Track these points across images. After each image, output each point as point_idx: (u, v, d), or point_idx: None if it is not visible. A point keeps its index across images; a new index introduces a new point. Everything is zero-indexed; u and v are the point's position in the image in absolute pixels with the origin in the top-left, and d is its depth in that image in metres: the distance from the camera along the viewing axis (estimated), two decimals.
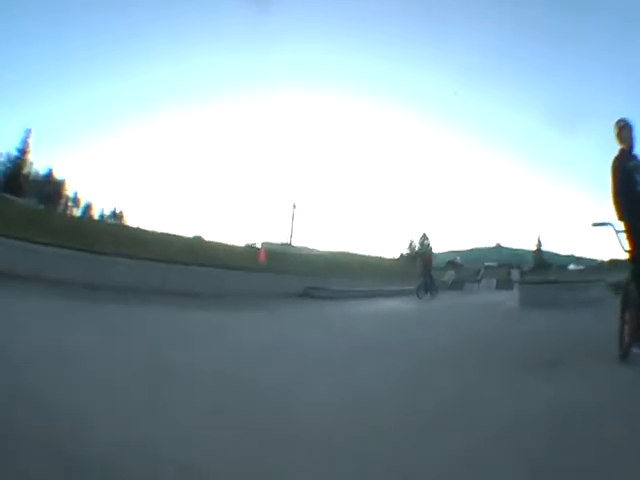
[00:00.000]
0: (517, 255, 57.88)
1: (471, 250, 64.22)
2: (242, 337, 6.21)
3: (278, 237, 45.79)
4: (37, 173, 54.43)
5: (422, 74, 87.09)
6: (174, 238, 21.03)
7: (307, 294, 14.80)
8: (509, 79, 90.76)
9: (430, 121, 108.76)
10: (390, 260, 50.94)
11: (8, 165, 51.50)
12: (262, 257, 19.16)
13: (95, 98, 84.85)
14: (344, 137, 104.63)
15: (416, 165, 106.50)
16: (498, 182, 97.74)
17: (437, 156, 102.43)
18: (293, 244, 40.67)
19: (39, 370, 3.37)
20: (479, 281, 36.13)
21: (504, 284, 29.60)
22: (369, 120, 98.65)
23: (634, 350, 4.14)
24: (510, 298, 14.31)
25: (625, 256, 4.37)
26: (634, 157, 4.57)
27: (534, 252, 62.81)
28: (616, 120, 4.74)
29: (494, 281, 34.39)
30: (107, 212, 59.96)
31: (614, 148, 4.71)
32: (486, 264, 47.20)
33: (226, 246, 25.06)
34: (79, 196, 59.64)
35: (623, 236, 4.32)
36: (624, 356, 4.25)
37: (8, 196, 32.28)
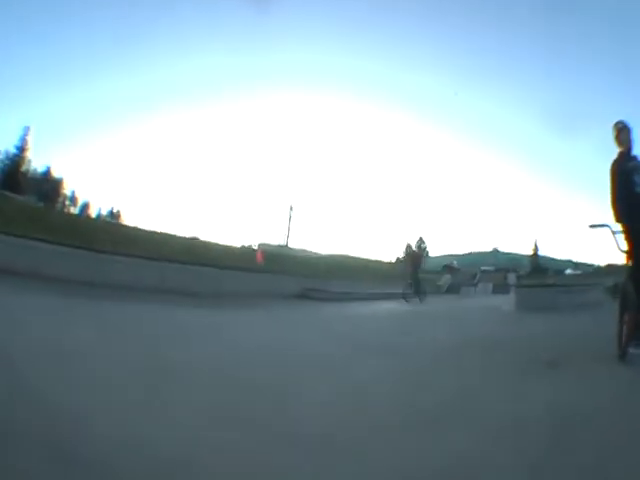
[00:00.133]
0: (514, 259, 58.04)
1: (468, 254, 64.36)
2: (240, 336, 6.21)
3: (275, 239, 45.73)
4: (35, 171, 54.46)
5: (422, 75, 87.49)
6: (171, 238, 21.03)
7: (304, 295, 14.79)
8: (508, 82, 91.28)
9: (429, 124, 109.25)
10: (387, 263, 51.01)
11: (7, 162, 51.45)
12: (259, 258, 19.17)
13: (94, 97, 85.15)
14: (343, 139, 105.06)
15: (414, 169, 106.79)
16: (495, 187, 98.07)
17: (435, 160, 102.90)
18: (290, 246, 40.71)
19: (36, 366, 3.36)
20: (475, 285, 36.09)
21: (501, 288, 29.50)
22: (368, 122, 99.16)
23: (631, 350, 4.19)
24: (506, 302, 14.27)
25: (622, 258, 4.42)
26: (633, 159, 4.60)
27: (531, 256, 63.06)
28: (614, 122, 4.78)
29: (490, 285, 34.32)
30: (104, 211, 60.02)
31: (613, 151, 4.75)
32: (483, 268, 47.21)
33: (223, 246, 25.07)
34: (77, 195, 59.67)
35: (620, 237, 4.36)
36: (622, 356, 4.28)
37: (7, 193, 32.21)
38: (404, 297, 16.79)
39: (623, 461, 2.14)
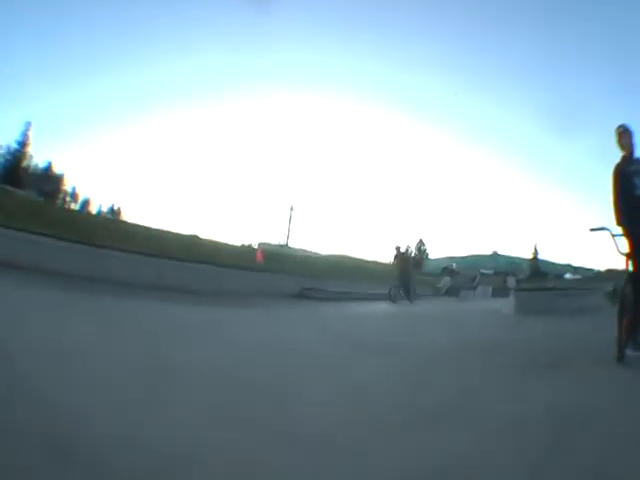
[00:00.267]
0: (513, 263, 57.97)
1: (467, 257, 64.25)
2: (239, 333, 6.22)
3: (275, 238, 45.70)
4: (36, 166, 54.43)
5: (422, 76, 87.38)
6: (171, 235, 21.01)
7: (303, 295, 14.80)
8: (509, 83, 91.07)
9: (429, 125, 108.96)
10: (386, 264, 50.94)
11: (8, 157, 51.43)
12: (259, 257, 19.17)
13: (95, 94, 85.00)
14: (343, 139, 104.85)
15: (414, 170, 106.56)
16: (496, 189, 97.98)
17: (435, 161, 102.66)
18: (290, 246, 40.71)
19: (35, 361, 3.38)
20: (475, 288, 36.02)
21: (500, 292, 29.50)
22: (368, 122, 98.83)
23: (629, 352, 4.28)
24: (506, 305, 14.29)
25: (622, 261, 4.46)
26: (635, 162, 4.62)
27: (530, 260, 62.98)
28: (616, 126, 4.79)
29: (490, 289, 34.26)
30: (105, 208, 60.00)
31: (613, 155, 4.77)
32: (482, 271, 47.16)
33: (223, 245, 25.04)
34: (77, 191, 59.65)
35: (620, 240, 4.40)
36: (621, 358, 4.34)
37: (8, 188, 32.21)
38: (390, 298, 16.41)
39: (622, 459, 2.16)
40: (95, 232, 13.08)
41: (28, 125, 52.74)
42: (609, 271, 30.68)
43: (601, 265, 46.27)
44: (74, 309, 6.25)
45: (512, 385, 3.90)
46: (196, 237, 27.50)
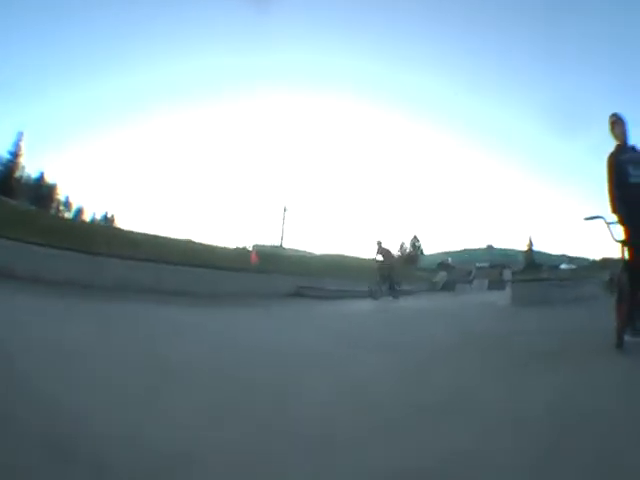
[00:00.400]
0: (508, 255, 58.23)
1: (462, 251, 64.52)
2: (239, 331, 6.21)
3: (269, 240, 45.67)
4: (29, 176, 54.22)
5: (420, 75, 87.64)
6: (165, 240, 20.95)
7: (299, 293, 14.80)
8: (501, 79, 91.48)
9: (423, 123, 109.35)
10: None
11: (0, 168, 51.21)
12: (254, 259, 19.14)
13: (89, 101, 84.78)
14: (337, 138, 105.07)
15: (408, 167, 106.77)
16: (489, 183, 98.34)
17: (428, 158, 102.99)
18: (285, 246, 40.65)
19: (34, 362, 3.35)
20: (471, 282, 36.27)
21: (496, 284, 29.67)
22: (363, 122, 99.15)
23: (627, 338, 4.39)
24: (502, 298, 14.36)
25: (617, 249, 4.51)
26: (628, 150, 4.66)
27: (525, 252, 63.26)
28: (609, 115, 4.82)
29: (486, 282, 34.48)
30: (99, 216, 59.86)
31: (606, 146, 4.81)
32: (478, 265, 47.41)
33: (217, 248, 24.99)
34: (71, 200, 59.50)
35: (614, 228, 4.45)
36: (620, 344, 4.42)
37: (2, 198, 32.05)
38: (371, 295, 15.76)
39: (623, 433, 2.28)
40: (91, 239, 13.02)
41: (20, 135, 52.60)
42: (604, 260, 30.90)
43: (596, 254, 46.60)
44: (71, 314, 6.23)
45: (513, 371, 3.98)
46: (190, 241, 27.45)
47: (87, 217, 58.17)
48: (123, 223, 55.20)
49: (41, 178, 55.56)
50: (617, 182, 4.49)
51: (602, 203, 4.62)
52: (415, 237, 69.97)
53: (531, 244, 64.61)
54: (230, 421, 2.53)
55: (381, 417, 2.68)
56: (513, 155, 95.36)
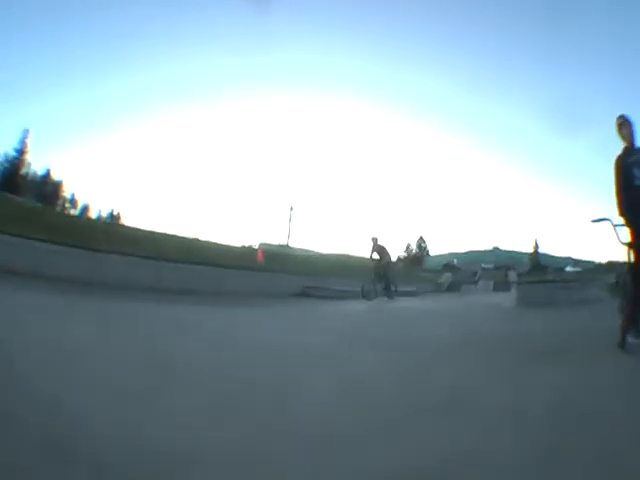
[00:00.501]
0: (514, 257, 58.18)
1: (468, 252, 64.46)
2: (242, 330, 6.22)
3: (276, 239, 45.76)
4: (35, 174, 54.48)
5: (421, 75, 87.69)
6: (171, 238, 21.00)
7: (304, 293, 14.77)
8: (508, 81, 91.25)
9: (428, 124, 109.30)
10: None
11: (6, 165, 51.47)
12: (260, 257, 19.14)
13: (93, 99, 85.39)
14: (344, 138, 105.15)
15: (414, 168, 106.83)
16: (495, 185, 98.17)
17: (435, 159, 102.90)
18: (291, 245, 40.70)
19: (35, 361, 3.37)
20: (476, 283, 36.15)
21: (501, 286, 29.57)
22: (368, 121, 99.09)
23: (630, 339, 4.43)
24: (507, 299, 14.30)
25: (623, 251, 4.52)
26: (635, 152, 4.63)
27: (531, 254, 63.13)
28: (616, 117, 4.78)
29: (491, 283, 34.39)
30: (104, 213, 60.12)
31: (612, 148, 4.79)
32: (483, 266, 47.32)
33: (223, 246, 25.04)
34: (76, 197, 59.76)
35: (621, 231, 4.45)
36: (623, 345, 4.46)
37: (6, 194, 32.20)
38: (364, 295, 14.82)
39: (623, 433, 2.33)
40: (94, 236, 13.06)
41: (26, 132, 52.87)
42: (610, 263, 30.74)
43: (602, 257, 46.41)
44: (72, 311, 6.25)
45: (518, 369, 4.04)
46: (197, 240, 27.53)
47: (93, 214, 58.45)
48: (129, 221, 55.33)
49: (47, 175, 55.85)
50: (624, 185, 4.47)
51: (608, 205, 4.64)
52: (421, 238, 69.92)
53: (537, 246, 64.52)
54: (230, 421, 2.52)
55: (381, 417, 2.68)
56: (519, 156, 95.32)
